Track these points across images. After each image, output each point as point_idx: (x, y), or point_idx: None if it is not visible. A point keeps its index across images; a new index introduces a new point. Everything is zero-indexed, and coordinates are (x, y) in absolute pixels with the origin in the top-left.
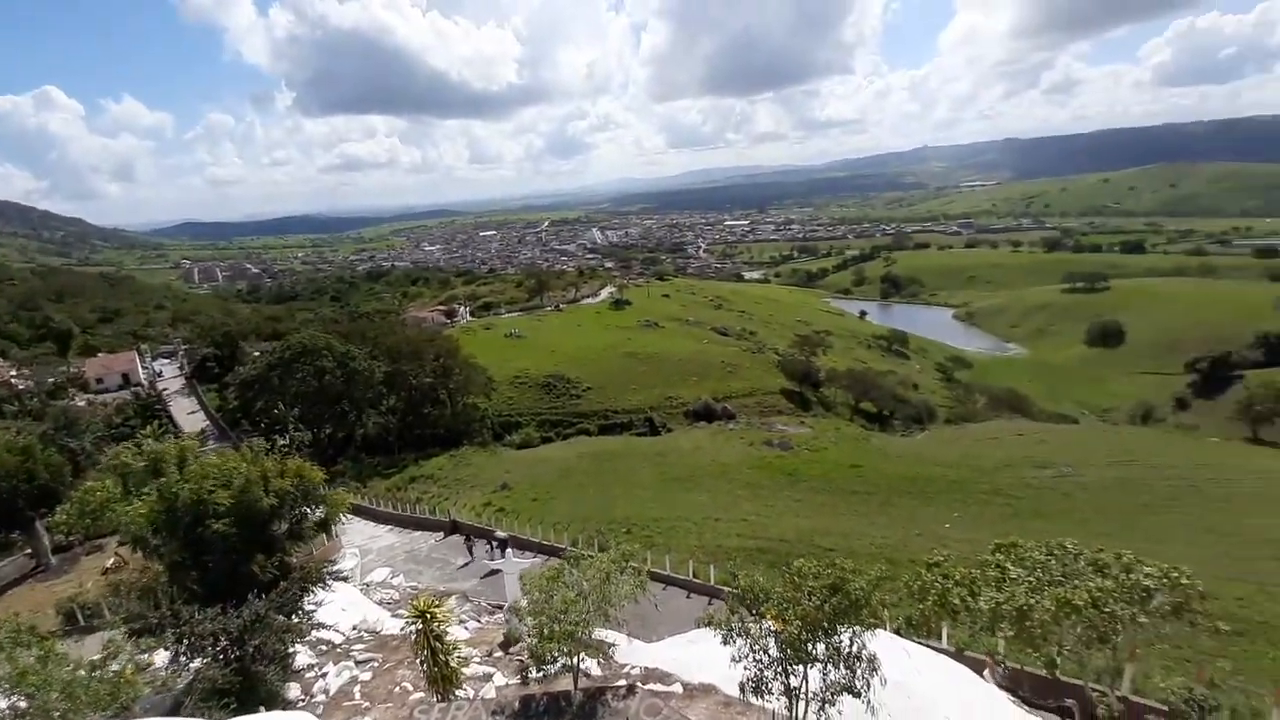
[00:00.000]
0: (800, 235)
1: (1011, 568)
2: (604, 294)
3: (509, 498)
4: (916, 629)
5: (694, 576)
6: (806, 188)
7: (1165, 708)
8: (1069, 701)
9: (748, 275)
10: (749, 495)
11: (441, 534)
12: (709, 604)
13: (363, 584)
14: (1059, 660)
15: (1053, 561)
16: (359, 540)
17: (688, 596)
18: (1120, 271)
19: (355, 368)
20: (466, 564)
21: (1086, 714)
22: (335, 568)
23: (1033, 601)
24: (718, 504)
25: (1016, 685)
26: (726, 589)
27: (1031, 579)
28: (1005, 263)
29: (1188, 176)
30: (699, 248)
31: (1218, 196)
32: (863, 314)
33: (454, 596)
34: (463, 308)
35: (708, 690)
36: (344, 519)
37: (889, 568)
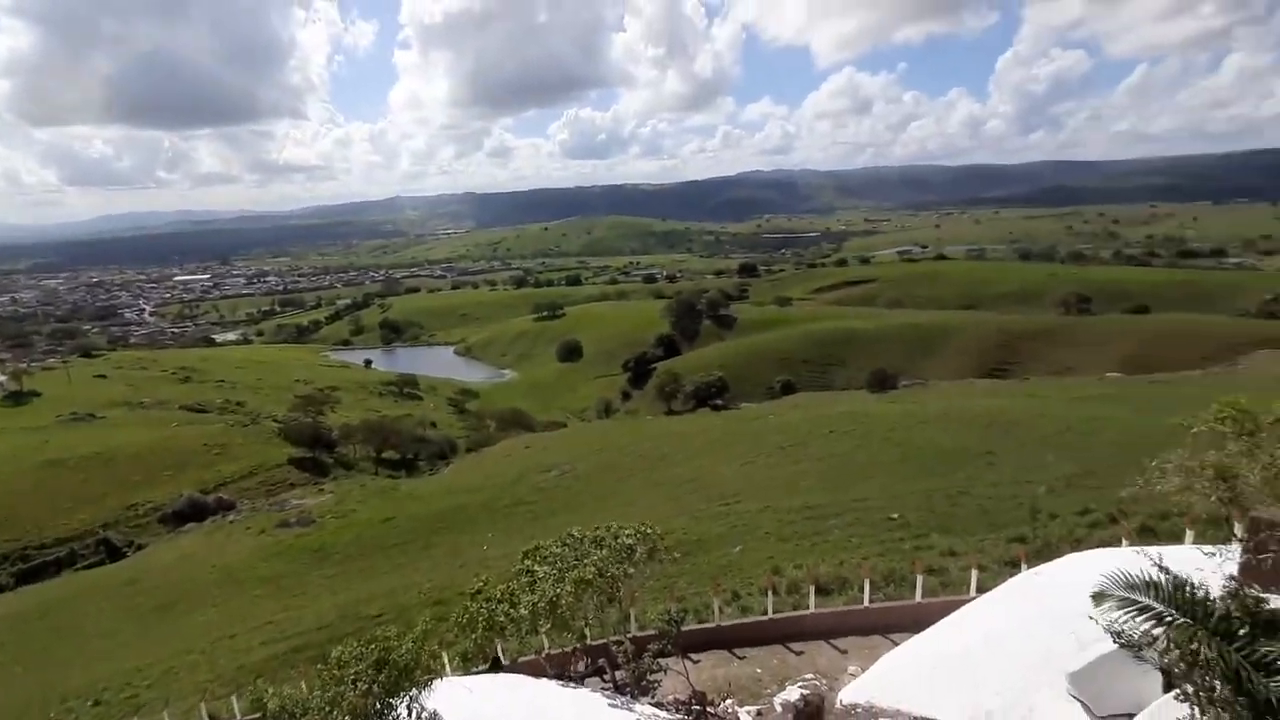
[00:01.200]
0: (280, 287)
1: (538, 568)
2: None
3: None
4: (473, 660)
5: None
6: (278, 235)
7: (656, 632)
8: (601, 660)
9: (220, 338)
10: (270, 592)
11: None
12: None
13: None
14: (587, 631)
15: (566, 550)
16: None
17: None
18: (569, 300)
19: None
20: None
21: (613, 664)
22: None
23: (558, 591)
24: (230, 617)
25: (567, 668)
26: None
27: (554, 572)
28: (487, 300)
29: (596, 226)
30: (143, 311)
31: (616, 240)
32: (368, 363)
33: None
34: None
35: None
36: None
37: (442, 610)
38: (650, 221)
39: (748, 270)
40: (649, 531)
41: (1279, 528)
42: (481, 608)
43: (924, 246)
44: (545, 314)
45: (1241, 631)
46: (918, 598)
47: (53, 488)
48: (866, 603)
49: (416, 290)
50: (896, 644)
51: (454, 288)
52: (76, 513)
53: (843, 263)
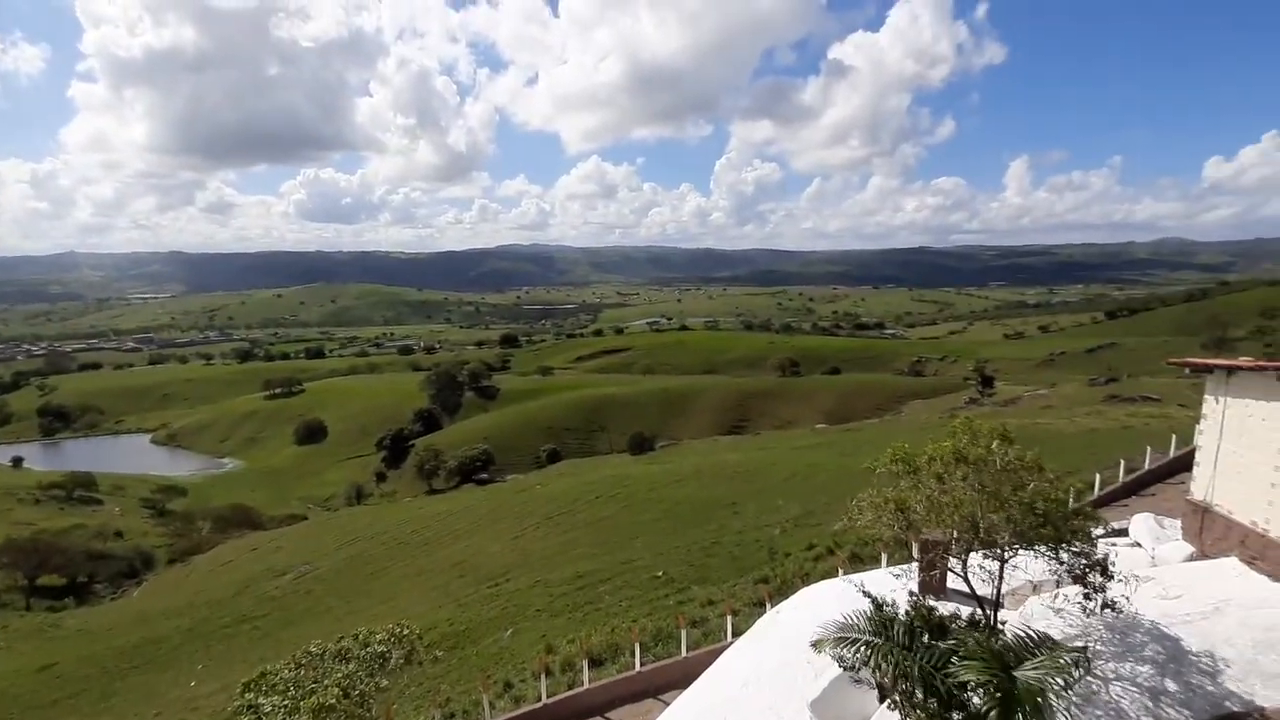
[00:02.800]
0: None
1: (264, 700)
2: None
3: None
4: None
5: None
6: None
7: None
8: None
9: None
10: None
11: None
12: None
13: None
14: None
15: (302, 672)
16: None
17: None
18: (310, 374)
19: None
20: None
21: None
22: None
23: None
24: None
25: None
26: None
27: (286, 702)
28: (201, 377)
29: (341, 294)
30: None
31: (367, 309)
32: (18, 461)
33: None
34: None
35: None
36: None
37: None
38: (405, 290)
39: (509, 341)
40: (405, 632)
41: (941, 546)
42: None
43: (669, 318)
44: (279, 391)
45: (924, 638)
46: (684, 653)
47: None
48: (638, 667)
49: (96, 366)
50: (668, 704)
51: (153, 362)
52: None
53: (599, 333)
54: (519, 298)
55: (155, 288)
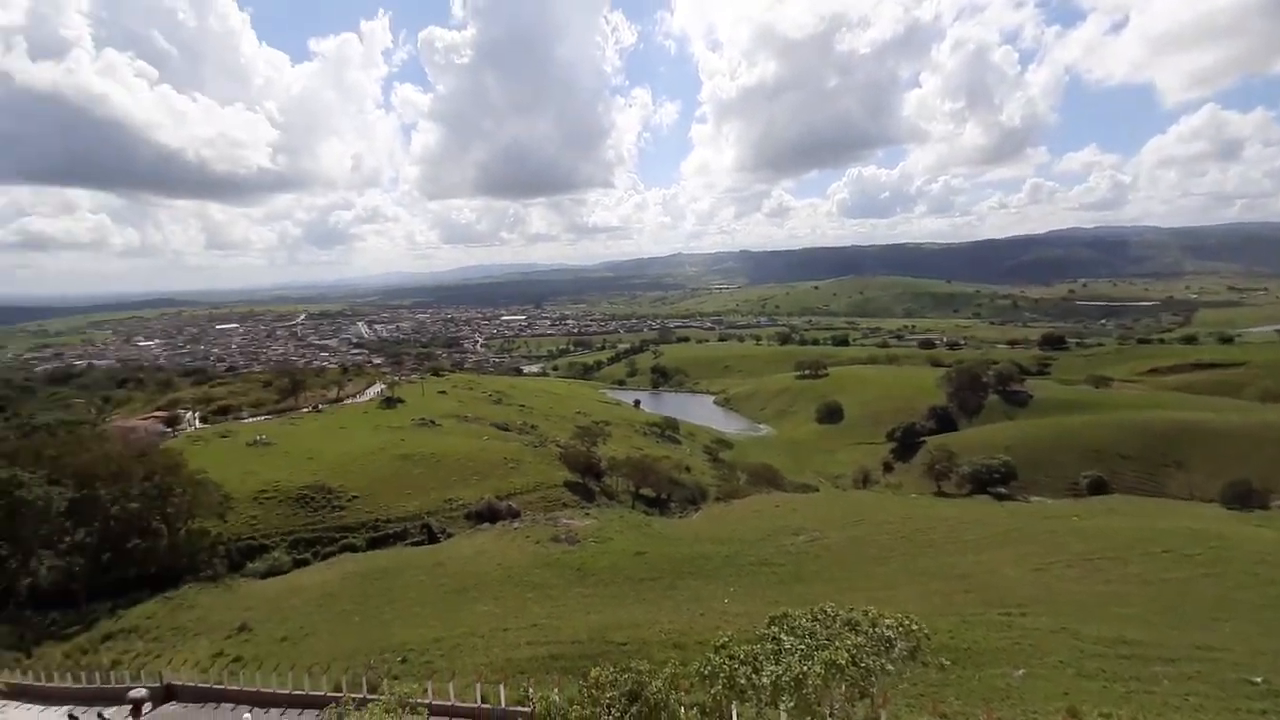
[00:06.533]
0: (575, 330)
1: (785, 638)
2: (372, 392)
3: (249, 642)
4: (709, 715)
5: (482, 701)
6: (579, 285)
7: None
8: None
9: (526, 369)
10: (538, 597)
11: (150, 705)
12: None
13: None
14: None
15: (818, 626)
16: None
17: None
18: (834, 360)
19: (22, 497)
20: None
21: None
22: None
23: (805, 669)
24: (505, 611)
25: None
26: (519, 711)
27: (803, 646)
28: (751, 354)
29: (869, 286)
30: (476, 342)
31: (890, 301)
32: (637, 403)
33: None
34: (190, 413)
35: None
36: None
37: (680, 654)
38: (930, 283)
39: (1053, 342)
40: (914, 627)
41: None
42: (724, 663)
43: None
44: (808, 372)
45: None
46: None
47: (401, 477)
48: None
49: (686, 340)
50: None
51: (720, 340)
52: (413, 499)
53: (1192, 339)
54: (1071, 291)
55: (727, 280)
